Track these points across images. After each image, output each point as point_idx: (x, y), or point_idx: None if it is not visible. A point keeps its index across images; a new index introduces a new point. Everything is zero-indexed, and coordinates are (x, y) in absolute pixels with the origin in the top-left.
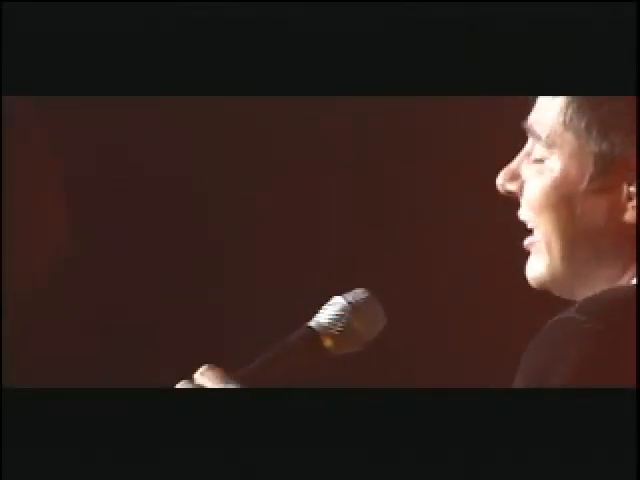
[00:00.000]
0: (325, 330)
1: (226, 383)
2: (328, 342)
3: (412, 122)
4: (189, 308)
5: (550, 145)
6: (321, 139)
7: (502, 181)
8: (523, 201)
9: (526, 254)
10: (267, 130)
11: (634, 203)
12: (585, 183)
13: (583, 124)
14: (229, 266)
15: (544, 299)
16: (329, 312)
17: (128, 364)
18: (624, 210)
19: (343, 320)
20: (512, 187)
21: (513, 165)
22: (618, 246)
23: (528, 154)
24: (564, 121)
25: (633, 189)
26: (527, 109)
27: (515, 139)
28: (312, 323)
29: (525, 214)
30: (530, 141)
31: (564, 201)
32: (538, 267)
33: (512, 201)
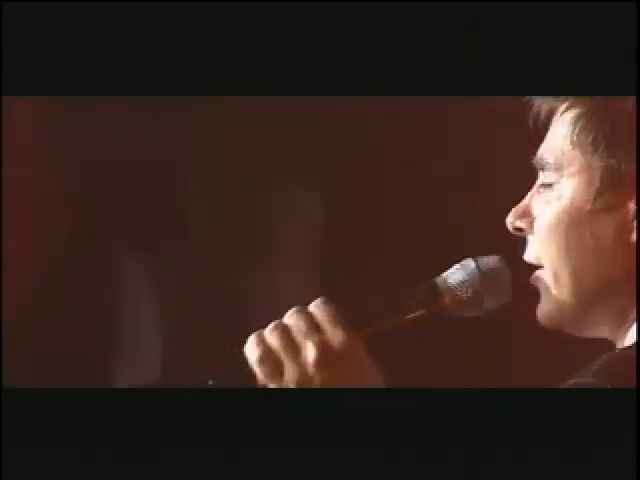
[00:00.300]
0: (448, 291)
1: (334, 323)
2: (448, 300)
3: (412, 122)
4: (190, 310)
5: (559, 167)
6: (320, 140)
7: (512, 219)
8: (531, 238)
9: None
10: (267, 130)
11: None
12: (592, 201)
13: (590, 139)
14: (229, 265)
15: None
16: (457, 274)
17: (129, 364)
18: (631, 230)
19: (468, 285)
20: (522, 224)
21: (524, 203)
22: (628, 272)
23: (538, 189)
24: (571, 140)
25: None
26: (526, 109)
27: (515, 139)
28: (438, 279)
29: (531, 253)
30: (540, 175)
31: (572, 224)
32: (546, 302)
33: (512, 204)
